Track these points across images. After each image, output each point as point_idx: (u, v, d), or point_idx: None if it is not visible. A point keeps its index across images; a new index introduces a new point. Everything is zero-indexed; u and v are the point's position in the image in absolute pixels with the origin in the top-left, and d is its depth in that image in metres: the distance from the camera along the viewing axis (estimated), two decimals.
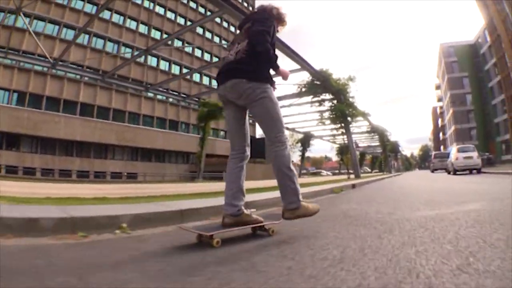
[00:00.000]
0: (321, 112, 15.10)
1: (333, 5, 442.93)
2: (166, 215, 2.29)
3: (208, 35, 38.68)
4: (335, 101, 13.87)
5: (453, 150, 15.31)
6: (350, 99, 13.89)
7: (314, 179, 14.74)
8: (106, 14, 27.79)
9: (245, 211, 1.76)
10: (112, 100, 27.92)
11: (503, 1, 30.49)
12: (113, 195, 3.73)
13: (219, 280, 1.01)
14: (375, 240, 1.51)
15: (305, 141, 25.47)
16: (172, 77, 26.92)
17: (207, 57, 37.68)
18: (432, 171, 23.21)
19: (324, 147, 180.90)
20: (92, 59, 24.54)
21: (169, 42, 27.42)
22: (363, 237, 1.61)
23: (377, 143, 29.89)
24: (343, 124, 14.44)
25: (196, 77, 35.50)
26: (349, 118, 14.24)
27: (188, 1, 36.71)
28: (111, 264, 1.24)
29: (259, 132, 44.42)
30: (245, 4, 40.83)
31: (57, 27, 24.52)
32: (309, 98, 14.39)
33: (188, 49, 35.36)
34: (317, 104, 14.64)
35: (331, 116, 14.55)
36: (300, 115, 18.65)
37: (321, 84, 13.16)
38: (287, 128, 23.47)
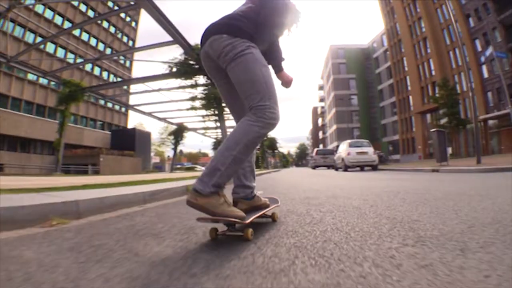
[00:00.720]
0: (194, 98, 13.36)
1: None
2: None
3: None
4: (209, 87, 12.05)
5: (342, 145, 14.09)
6: None
7: (184, 174, 12.72)
8: None
9: (256, 193, 1.53)
10: None
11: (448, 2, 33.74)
12: None
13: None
14: None
15: (178, 133, 24.05)
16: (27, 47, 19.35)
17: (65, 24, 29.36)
18: (313, 168, 22.29)
19: (205, 144, 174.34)
20: None
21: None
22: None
23: None
24: (216, 112, 12.81)
25: (50, 47, 28.27)
26: (223, 105, 11.58)
27: None
28: None
29: (128, 123, 37.66)
30: None
31: None
32: (181, 83, 12.41)
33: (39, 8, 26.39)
34: (189, 89, 12.99)
35: (204, 102, 12.92)
36: (172, 103, 16.98)
37: (195, 64, 11.21)
38: (158, 118, 21.30)
